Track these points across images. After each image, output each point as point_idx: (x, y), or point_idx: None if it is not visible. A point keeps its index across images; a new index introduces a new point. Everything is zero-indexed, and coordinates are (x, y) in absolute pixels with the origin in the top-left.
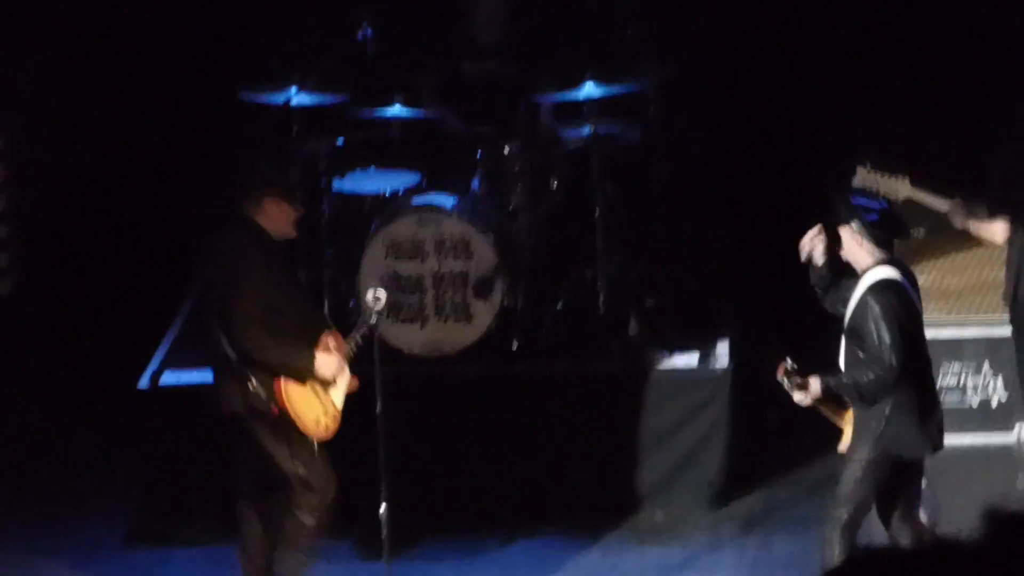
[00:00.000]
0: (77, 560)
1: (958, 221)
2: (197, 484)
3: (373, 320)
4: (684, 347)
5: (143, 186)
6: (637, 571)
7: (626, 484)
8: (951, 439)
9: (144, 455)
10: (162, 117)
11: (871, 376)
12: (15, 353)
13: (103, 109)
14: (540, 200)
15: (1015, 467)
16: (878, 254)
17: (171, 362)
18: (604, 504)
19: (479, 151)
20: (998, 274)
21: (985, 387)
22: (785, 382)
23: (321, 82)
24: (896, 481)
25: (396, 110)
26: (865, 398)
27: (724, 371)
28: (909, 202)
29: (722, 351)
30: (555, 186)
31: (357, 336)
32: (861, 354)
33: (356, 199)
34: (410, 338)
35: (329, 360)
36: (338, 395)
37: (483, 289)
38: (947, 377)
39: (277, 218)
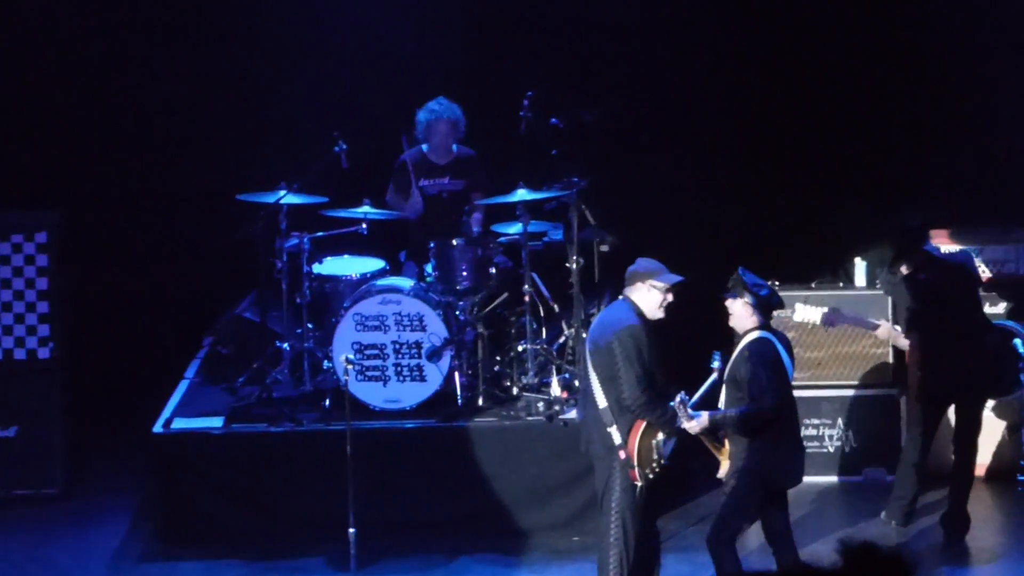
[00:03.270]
0: (103, 572)
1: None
2: (199, 510)
3: (344, 380)
4: None
5: (156, 270)
6: None
7: (548, 514)
8: (813, 478)
9: (157, 486)
10: (173, 213)
11: (752, 409)
12: (53, 404)
13: (122, 207)
14: (481, 285)
15: (863, 501)
16: (759, 321)
17: (180, 411)
18: (529, 529)
19: (432, 244)
20: (850, 349)
21: (839, 437)
22: (679, 411)
23: (305, 186)
24: (769, 506)
25: (365, 209)
26: (745, 429)
27: None
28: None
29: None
30: (493, 274)
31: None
32: (740, 395)
33: (332, 281)
34: (374, 394)
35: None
36: (667, 450)
37: (434, 356)
38: (809, 428)
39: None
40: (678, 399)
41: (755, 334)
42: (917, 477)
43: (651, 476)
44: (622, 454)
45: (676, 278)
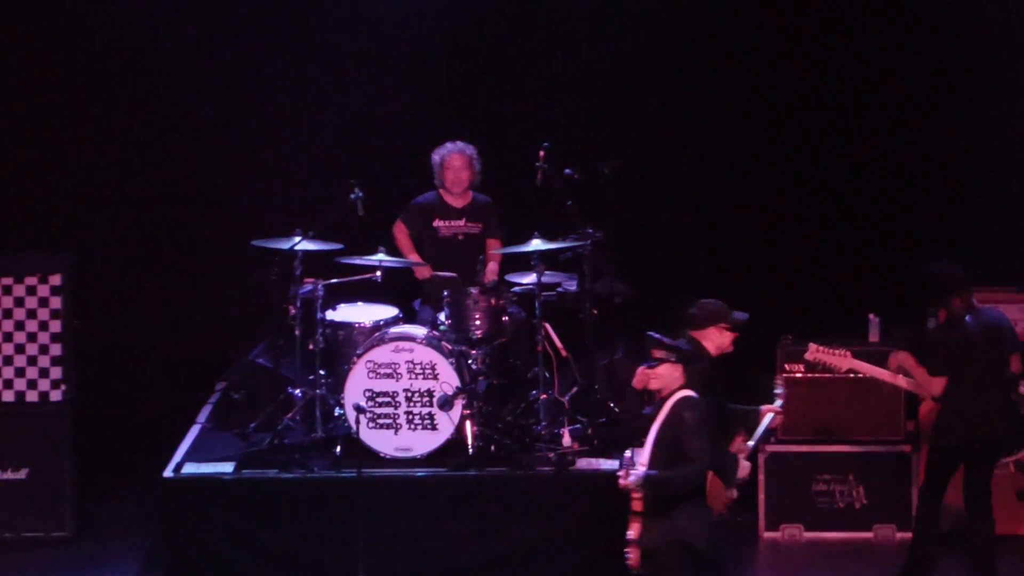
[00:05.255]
0: None
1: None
2: (209, 555)
3: (355, 428)
4: (607, 455)
5: (169, 314)
6: None
7: (557, 566)
8: (823, 533)
9: (167, 530)
10: (187, 257)
11: (688, 471)
12: (64, 447)
13: (136, 251)
14: (494, 334)
15: (873, 558)
16: (684, 379)
17: (191, 456)
18: None
19: (446, 292)
20: (862, 405)
21: (849, 493)
22: (625, 465)
23: (320, 232)
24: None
25: (380, 257)
26: (683, 491)
27: None
28: (851, 371)
29: (640, 459)
30: (506, 323)
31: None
32: (674, 455)
33: (345, 328)
34: (386, 442)
35: (744, 465)
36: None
37: (446, 404)
38: (820, 484)
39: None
40: (627, 454)
41: (684, 393)
42: (932, 535)
43: (725, 510)
44: None
45: (743, 316)
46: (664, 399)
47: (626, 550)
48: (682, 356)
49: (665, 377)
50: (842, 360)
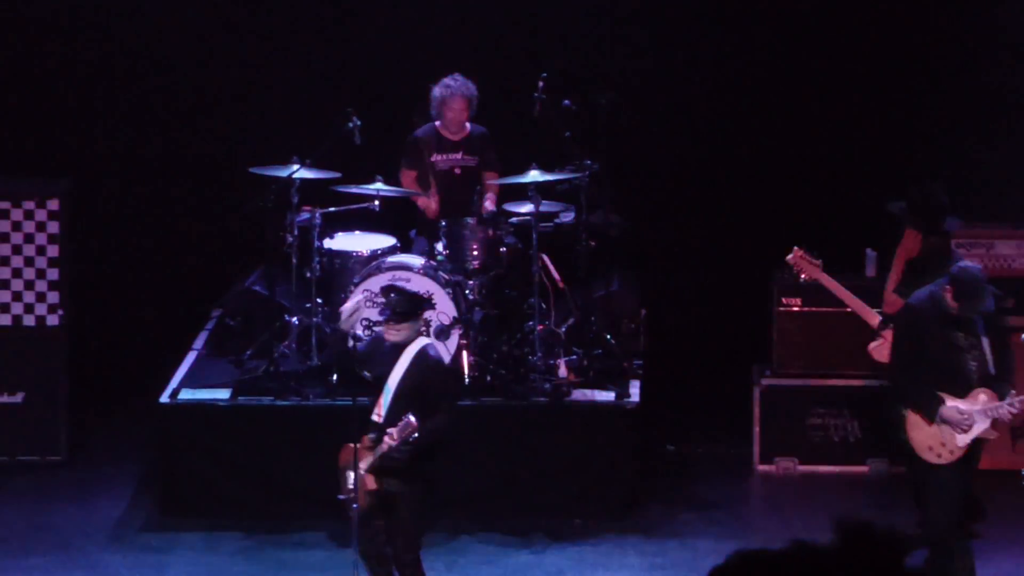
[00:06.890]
0: (105, 540)
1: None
2: (202, 480)
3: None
4: (603, 387)
5: (166, 241)
6: (557, 566)
7: (551, 495)
8: (817, 467)
9: (161, 455)
10: (184, 184)
11: (444, 421)
12: (60, 371)
13: (134, 177)
14: (490, 265)
15: (867, 492)
16: (417, 332)
17: (187, 382)
18: (530, 511)
19: (443, 223)
20: (857, 338)
21: (843, 427)
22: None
23: (318, 161)
24: None
25: (377, 186)
26: (441, 437)
27: (634, 406)
28: (818, 284)
29: (633, 390)
30: (503, 254)
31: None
32: (418, 405)
33: (342, 257)
34: None
35: (955, 412)
36: (965, 437)
37: (442, 334)
38: (814, 418)
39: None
40: (409, 418)
41: (423, 341)
42: None
43: (940, 455)
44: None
45: (976, 305)
46: (400, 350)
47: (357, 500)
48: (423, 308)
49: (403, 331)
50: (813, 270)
